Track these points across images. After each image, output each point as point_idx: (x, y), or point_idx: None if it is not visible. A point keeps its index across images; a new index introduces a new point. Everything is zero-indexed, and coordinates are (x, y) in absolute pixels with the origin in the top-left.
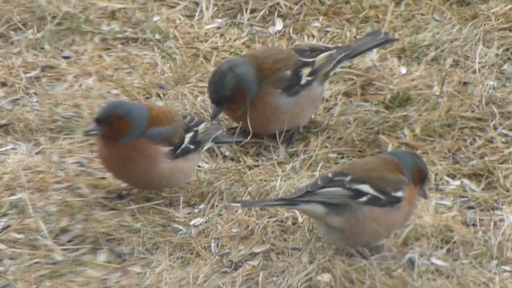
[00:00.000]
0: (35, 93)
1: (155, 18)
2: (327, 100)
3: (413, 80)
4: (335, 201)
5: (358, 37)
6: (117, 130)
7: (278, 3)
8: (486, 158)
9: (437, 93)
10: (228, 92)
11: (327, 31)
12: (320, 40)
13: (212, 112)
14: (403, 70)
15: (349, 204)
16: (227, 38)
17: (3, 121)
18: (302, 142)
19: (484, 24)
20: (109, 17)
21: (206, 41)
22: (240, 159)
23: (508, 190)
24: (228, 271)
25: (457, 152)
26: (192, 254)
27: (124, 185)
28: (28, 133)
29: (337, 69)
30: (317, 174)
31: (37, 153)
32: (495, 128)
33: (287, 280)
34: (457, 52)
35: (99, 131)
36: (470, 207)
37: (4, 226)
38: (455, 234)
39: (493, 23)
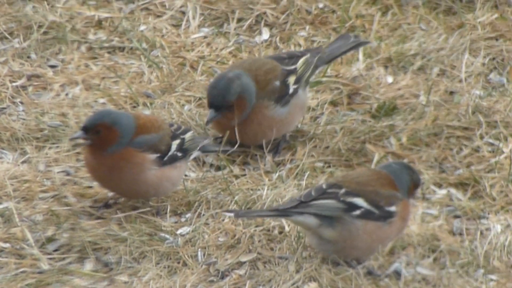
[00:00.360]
0: (21, 102)
1: (142, 27)
2: (313, 109)
3: (399, 89)
4: (328, 213)
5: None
6: (105, 139)
7: (264, 13)
8: (473, 167)
9: (424, 102)
10: (232, 99)
11: (314, 40)
12: None
13: (209, 117)
14: (390, 79)
15: (342, 217)
16: (214, 48)
17: None
18: (288, 151)
19: (471, 34)
20: (96, 26)
21: (193, 50)
22: (227, 168)
23: (494, 199)
24: (215, 280)
25: (444, 161)
26: (179, 263)
27: (111, 194)
28: (14, 142)
29: (315, 74)
30: (303, 183)
31: (24, 162)
32: (482, 137)
33: None
34: (443, 61)
35: (86, 140)
36: (456, 216)
37: None
38: (441, 243)
39: (479, 33)
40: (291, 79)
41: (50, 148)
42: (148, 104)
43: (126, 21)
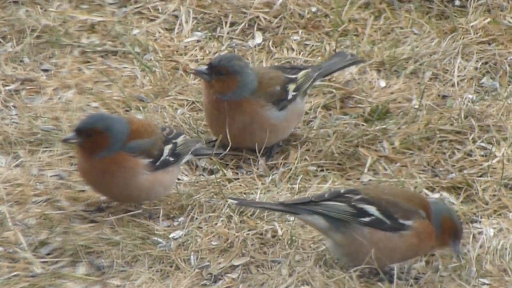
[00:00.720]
0: (14, 106)
1: (135, 31)
2: (306, 113)
3: (392, 93)
4: (335, 216)
5: (337, 50)
6: (95, 143)
7: (257, 17)
8: (465, 171)
9: (416, 106)
10: (229, 69)
11: (307, 44)
12: (299, 53)
13: (200, 69)
14: (382, 83)
15: (350, 222)
16: (207, 51)
17: None
18: (281, 155)
19: (463, 38)
20: (89, 30)
21: (186, 54)
22: (220, 171)
23: (487, 203)
24: (208, 284)
25: (436, 165)
26: (171, 267)
27: (103, 198)
28: (7, 146)
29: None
30: (296, 187)
31: (16, 166)
32: (474, 141)
33: None
34: (436, 65)
35: (78, 141)
36: None
37: None
38: None
39: (472, 37)
40: (291, 86)
41: (43, 152)
42: (141, 108)
43: (119, 25)
